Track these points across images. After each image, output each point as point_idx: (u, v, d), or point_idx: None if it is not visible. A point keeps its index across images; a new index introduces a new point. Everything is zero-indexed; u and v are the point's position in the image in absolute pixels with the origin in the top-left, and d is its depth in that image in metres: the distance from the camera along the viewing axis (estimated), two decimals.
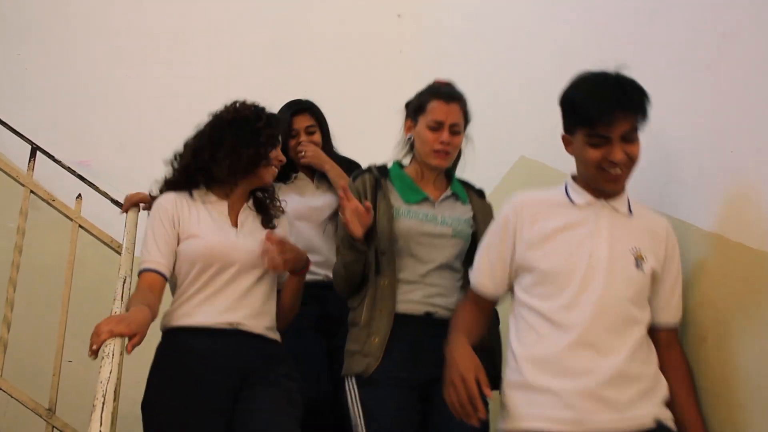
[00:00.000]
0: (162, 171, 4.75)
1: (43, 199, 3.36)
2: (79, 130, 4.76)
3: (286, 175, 3.47)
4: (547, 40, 3.75)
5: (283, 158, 2.95)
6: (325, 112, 5.09)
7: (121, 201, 3.41)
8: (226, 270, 2.71)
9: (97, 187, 3.43)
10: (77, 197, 3.39)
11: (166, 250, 2.69)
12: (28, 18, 5.00)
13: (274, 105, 5.07)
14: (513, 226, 2.41)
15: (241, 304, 2.71)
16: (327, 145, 3.69)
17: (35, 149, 3.42)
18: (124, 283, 2.90)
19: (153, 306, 2.55)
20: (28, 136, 3.51)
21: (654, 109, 2.26)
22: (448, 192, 2.89)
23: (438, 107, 2.78)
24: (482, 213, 2.92)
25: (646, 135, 2.29)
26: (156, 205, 2.82)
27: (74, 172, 3.44)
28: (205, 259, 2.69)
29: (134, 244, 3.18)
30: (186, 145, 2.98)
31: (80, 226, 3.35)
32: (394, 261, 2.75)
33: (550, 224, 2.36)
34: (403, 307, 2.73)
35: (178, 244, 2.74)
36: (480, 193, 3.01)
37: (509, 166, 4.02)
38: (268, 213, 2.94)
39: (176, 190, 2.85)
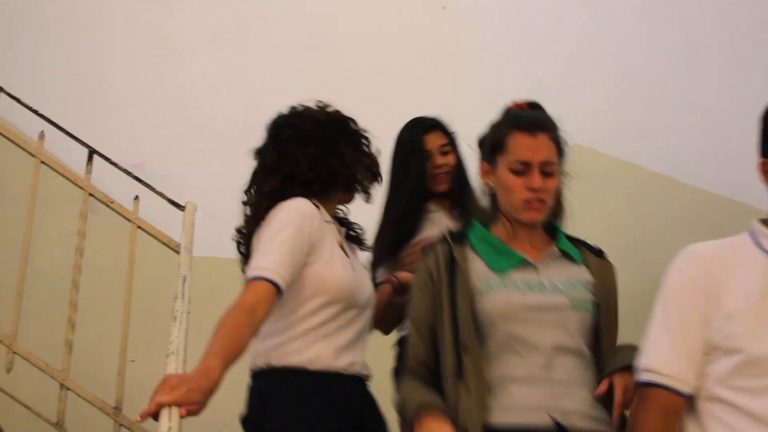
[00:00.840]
0: (210, 170, 4.86)
1: (101, 202, 3.41)
2: (130, 132, 4.82)
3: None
4: (592, 23, 3.73)
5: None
6: (368, 108, 5.10)
7: (177, 201, 3.45)
8: (352, 308, 2.43)
9: (154, 188, 3.47)
10: (135, 198, 3.44)
11: (293, 265, 2.31)
12: (77, 25, 5.07)
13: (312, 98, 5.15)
14: (706, 289, 1.79)
15: (358, 346, 2.46)
16: (461, 169, 3.10)
17: (92, 153, 3.46)
18: (184, 281, 2.94)
19: (238, 345, 2.17)
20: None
21: None
22: (554, 250, 2.22)
23: (521, 143, 2.14)
24: (604, 276, 2.21)
25: None
26: (296, 207, 2.43)
27: (131, 173, 3.48)
28: (338, 294, 2.39)
29: (192, 243, 3.22)
30: (283, 153, 2.69)
31: (138, 226, 3.39)
32: (483, 356, 2.07)
33: (751, 287, 1.77)
34: (509, 417, 2.00)
35: (306, 265, 2.39)
36: (597, 251, 2.31)
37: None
38: (360, 242, 2.70)
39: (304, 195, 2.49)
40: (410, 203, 2.99)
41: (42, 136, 3.43)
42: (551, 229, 2.29)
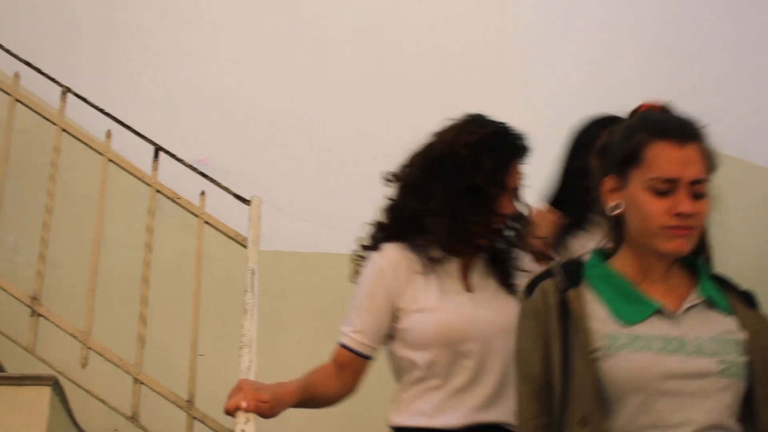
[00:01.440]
0: (272, 164, 4.91)
1: (169, 198, 3.45)
2: (193, 129, 4.88)
3: (581, 216, 2.49)
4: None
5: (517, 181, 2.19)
6: (427, 97, 5.12)
7: (242, 195, 3.48)
8: (469, 354, 2.11)
9: (219, 183, 3.50)
10: (201, 194, 3.47)
11: (372, 324, 2.21)
12: (140, 25, 5.15)
13: (383, 95, 5.18)
14: None
15: (499, 397, 2.09)
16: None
17: (158, 150, 3.51)
18: (252, 275, 2.97)
19: (320, 387, 2.23)
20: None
21: None
22: (696, 295, 1.75)
23: (666, 154, 1.68)
24: (758, 331, 1.73)
25: None
26: (372, 262, 2.30)
27: (196, 169, 3.52)
28: (439, 341, 2.11)
29: (258, 236, 3.25)
30: (401, 179, 2.41)
31: (206, 221, 3.43)
32: None
33: None
34: None
35: (398, 319, 2.20)
36: (746, 296, 1.82)
37: None
38: (506, 269, 2.24)
39: (396, 239, 2.26)
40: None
41: (109, 134, 3.49)
42: (691, 265, 1.79)
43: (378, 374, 4.46)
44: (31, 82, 3.71)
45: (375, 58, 5.28)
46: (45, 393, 2.96)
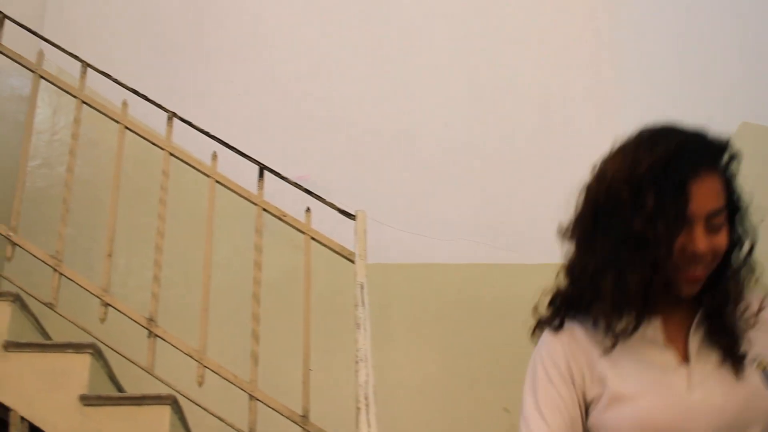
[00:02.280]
0: (371, 178, 4.95)
1: (275, 216, 3.50)
2: (292, 146, 4.95)
3: None
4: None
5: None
6: (529, 107, 5.09)
7: (347, 210, 3.51)
8: None
9: (324, 199, 3.54)
10: (306, 210, 3.51)
11: (558, 423, 1.60)
12: (237, 47, 5.26)
13: (482, 105, 5.17)
14: None
15: None
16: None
17: (263, 169, 3.56)
18: (362, 289, 2.99)
19: None
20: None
21: None
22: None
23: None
24: None
25: None
26: (538, 348, 1.80)
27: (301, 187, 3.57)
28: None
29: (365, 250, 3.27)
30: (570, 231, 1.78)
31: (312, 237, 3.47)
32: None
33: None
34: None
35: (586, 412, 1.62)
36: None
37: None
38: (732, 337, 1.55)
39: (576, 310, 1.69)
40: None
41: (215, 156, 3.56)
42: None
43: (490, 371, 4.46)
44: (138, 109, 3.81)
45: (472, 67, 5.28)
46: (165, 412, 3.04)
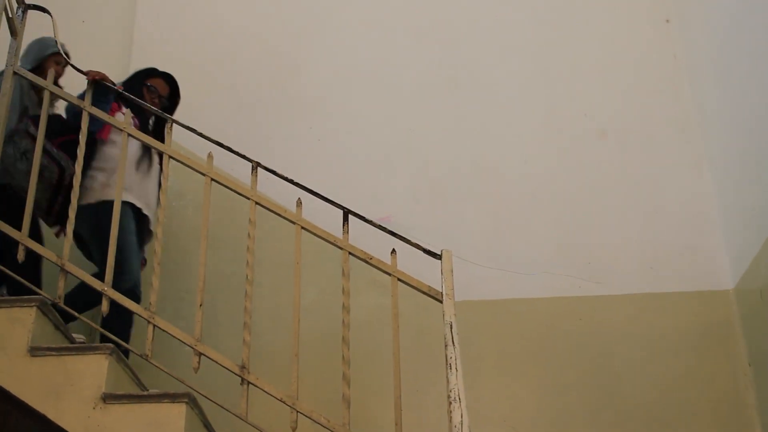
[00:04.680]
0: (447, 216, 4.94)
1: (361, 259, 3.52)
2: (372, 188, 5.00)
3: None
4: None
5: None
6: (608, 138, 5.05)
7: (432, 249, 3.51)
8: None
9: (409, 240, 3.54)
10: (391, 252, 3.53)
11: None
12: (315, 93, 5.35)
13: (554, 135, 5.15)
14: None
15: None
16: None
17: (347, 213, 3.60)
18: (451, 328, 2.99)
19: None
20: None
21: None
22: None
23: None
24: None
25: None
26: None
27: (386, 229, 3.58)
28: None
29: (452, 289, 3.27)
30: None
31: (399, 279, 3.47)
32: None
33: None
34: None
35: None
36: None
37: None
38: None
39: None
40: None
41: (299, 203, 3.61)
42: None
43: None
44: (222, 159, 3.89)
45: (549, 100, 5.29)
46: None
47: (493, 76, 5.38)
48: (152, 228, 4.34)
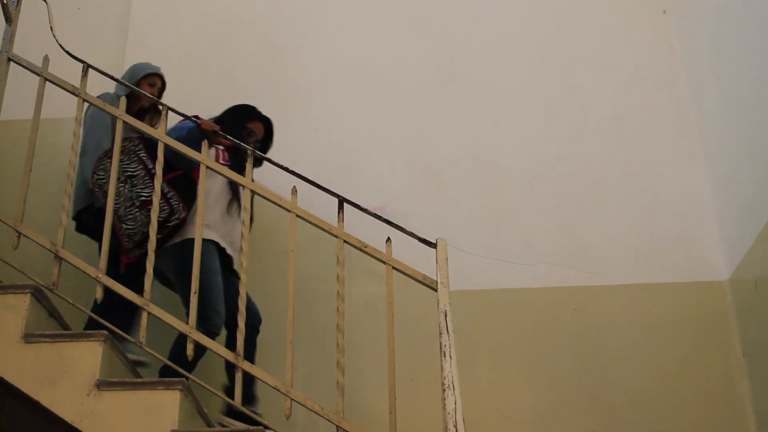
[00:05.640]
0: (443, 206, 4.93)
1: (356, 247, 3.52)
2: (367, 177, 4.99)
3: None
4: None
5: None
6: (606, 131, 5.06)
7: (427, 238, 3.51)
8: None
9: (404, 229, 3.54)
10: (386, 241, 3.53)
11: None
12: (312, 82, 5.34)
13: (550, 126, 5.15)
14: None
15: None
16: None
17: (342, 201, 3.60)
18: (446, 316, 2.99)
19: None
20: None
21: None
22: None
23: None
24: None
25: None
26: None
27: (381, 217, 3.58)
28: None
29: (447, 278, 3.27)
30: None
31: (394, 267, 3.48)
32: None
33: None
34: None
35: None
36: None
37: None
38: None
39: None
40: None
41: (294, 191, 3.61)
42: None
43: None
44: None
45: (547, 91, 5.28)
46: None
47: (490, 67, 5.37)
48: (236, 268, 4.18)
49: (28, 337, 3.18)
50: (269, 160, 3.79)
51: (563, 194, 5.01)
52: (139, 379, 3.45)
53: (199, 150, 3.69)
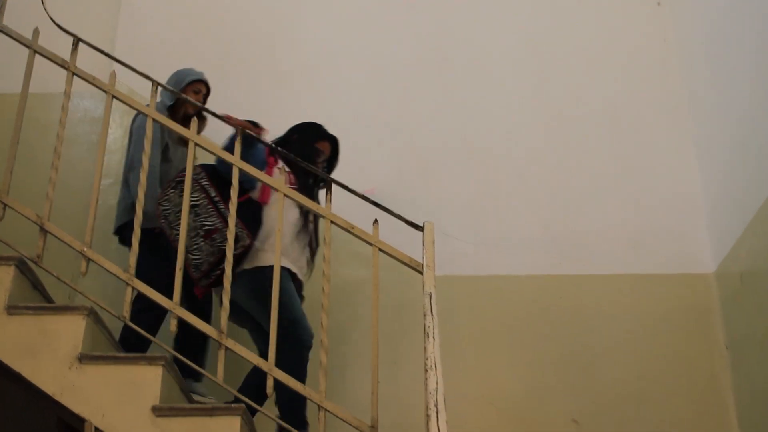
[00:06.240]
0: (432, 191, 4.93)
1: (342, 228, 3.51)
2: (357, 160, 4.97)
3: None
4: None
5: None
6: (595, 119, 5.07)
7: (415, 222, 3.51)
8: None
9: (392, 212, 3.53)
10: (374, 222, 3.52)
11: None
12: (304, 63, 5.33)
13: (542, 114, 5.15)
14: None
15: None
16: None
17: (330, 182, 3.59)
18: (430, 299, 2.99)
19: None
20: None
21: None
22: None
23: None
24: None
25: None
26: None
27: (369, 199, 3.58)
28: None
29: (434, 261, 3.27)
30: None
31: (380, 249, 3.47)
32: None
33: None
34: None
35: None
36: None
37: None
38: None
39: None
40: None
41: (282, 170, 3.60)
42: None
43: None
44: (208, 125, 3.88)
45: (539, 79, 5.29)
46: (235, 423, 3.07)
47: (482, 54, 5.37)
48: (303, 294, 4.16)
49: (11, 309, 3.16)
50: (258, 139, 3.78)
51: (552, 183, 5.02)
52: (122, 354, 3.44)
53: (258, 166, 3.66)
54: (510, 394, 4.55)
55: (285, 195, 3.52)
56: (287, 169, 4.04)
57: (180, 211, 3.69)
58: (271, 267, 3.54)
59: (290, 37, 5.43)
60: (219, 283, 3.77)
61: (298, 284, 4.12)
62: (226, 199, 3.61)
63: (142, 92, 4.11)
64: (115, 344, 3.57)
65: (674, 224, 4.89)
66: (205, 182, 3.97)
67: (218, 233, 3.83)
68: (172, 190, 3.94)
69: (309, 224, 4.18)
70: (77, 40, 3.81)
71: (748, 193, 4.24)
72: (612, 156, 5.08)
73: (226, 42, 5.40)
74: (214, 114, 3.76)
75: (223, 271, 3.48)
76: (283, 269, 3.90)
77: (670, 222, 4.89)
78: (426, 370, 2.53)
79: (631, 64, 5.34)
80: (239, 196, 3.81)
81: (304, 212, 4.13)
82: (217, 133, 4.03)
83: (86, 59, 4.01)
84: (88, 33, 4.16)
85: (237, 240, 3.74)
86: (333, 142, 4.44)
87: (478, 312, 4.72)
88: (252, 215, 3.97)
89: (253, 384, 3.70)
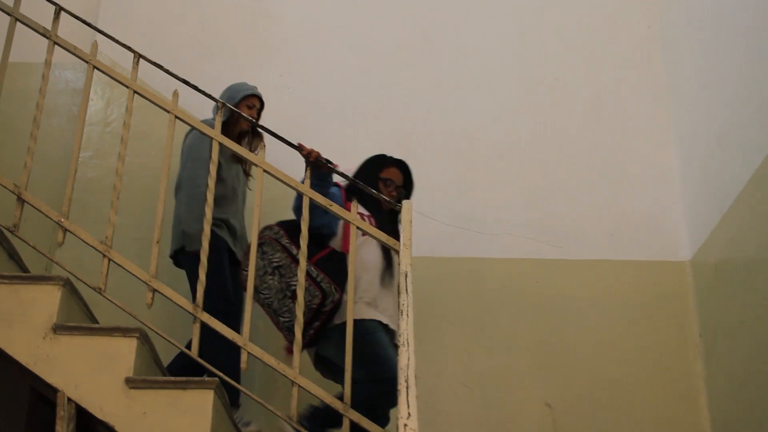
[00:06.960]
0: (417, 172, 4.94)
1: (321, 206, 3.51)
2: (337, 139, 4.98)
3: None
4: None
5: None
6: (578, 103, 5.08)
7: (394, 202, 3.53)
8: None
9: (371, 190, 3.55)
10: (352, 201, 3.53)
11: None
12: (288, 40, 5.32)
13: (524, 99, 5.16)
14: None
15: None
16: None
17: (308, 160, 3.59)
18: (406, 277, 3.00)
19: None
20: None
21: None
22: None
23: None
24: None
25: None
26: None
27: (348, 177, 3.60)
28: None
29: (410, 240, 3.28)
30: None
31: (358, 227, 3.48)
32: None
33: None
34: None
35: None
36: None
37: None
38: None
39: None
40: None
41: (263, 147, 3.60)
42: None
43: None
44: (188, 99, 3.87)
45: (521, 63, 5.29)
46: (208, 396, 3.07)
47: (467, 35, 5.37)
48: (396, 342, 3.61)
49: None
50: (240, 114, 3.77)
51: (533, 166, 5.04)
52: (96, 325, 3.43)
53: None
54: (484, 376, 4.58)
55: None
56: (366, 213, 3.92)
57: (262, 273, 3.77)
58: (362, 321, 3.55)
59: (274, 10, 5.41)
60: (313, 343, 3.79)
61: (392, 335, 3.88)
62: (310, 256, 3.57)
63: (125, 65, 4.09)
64: (90, 316, 3.56)
65: (652, 211, 4.92)
66: (285, 241, 3.82)
67: (306, 292, 3.61)
68: (270, 277, 3.81)
69: (392, 266, 3.97)
70: (59, 9, 3.79)
71: (726, 182, 4.26)
72: (592, 142, 5.10)
73: (208, 17, 5.38)
74: (281, 138, 3.63)
75: (315, 330, 3.55)
76: (375, 322, 3.79)
77: (648, 209, 4.92)
78: (399, 346, 2.54)
79: (614, 50, 5.35)
80: (321, 248, 3.85)
81: (386, 255, 3.96)
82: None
83: (69, 32, 3.99)
84: (71, 3, 4.14)
85: (326, 295, 3.70)
86: (401, 165, 4.26)
87: (454, 294, 4.74)
88: (337, 267, 3.79)
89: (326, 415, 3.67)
